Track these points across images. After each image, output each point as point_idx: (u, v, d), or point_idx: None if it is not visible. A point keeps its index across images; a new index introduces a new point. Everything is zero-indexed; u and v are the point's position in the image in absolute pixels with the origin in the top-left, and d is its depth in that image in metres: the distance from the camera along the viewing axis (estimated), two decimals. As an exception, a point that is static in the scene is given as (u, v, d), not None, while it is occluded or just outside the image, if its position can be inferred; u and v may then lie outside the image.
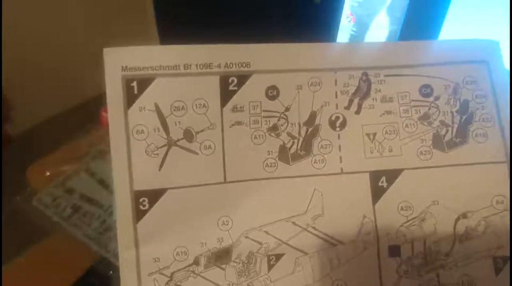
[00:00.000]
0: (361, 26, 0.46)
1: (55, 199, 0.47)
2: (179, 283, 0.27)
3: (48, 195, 0.48)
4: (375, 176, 0.28)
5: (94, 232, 0.44)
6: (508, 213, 0.28)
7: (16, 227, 0.46)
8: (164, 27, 0.65)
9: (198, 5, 0.59)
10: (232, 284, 0.27)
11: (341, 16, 0.47)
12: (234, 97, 0.28)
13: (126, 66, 0.27)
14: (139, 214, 0.27)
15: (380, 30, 0.44)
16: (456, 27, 0.38)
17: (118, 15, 0.69)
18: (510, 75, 0.29)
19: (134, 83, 0.27)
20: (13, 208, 0.47)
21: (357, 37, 0.48)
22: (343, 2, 0.47)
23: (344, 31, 0.48)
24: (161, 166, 0.27)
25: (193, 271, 0.27)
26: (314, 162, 0.28)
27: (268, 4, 0.55)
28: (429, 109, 0.29)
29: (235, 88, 0.28)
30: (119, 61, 0.27)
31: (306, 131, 0.28)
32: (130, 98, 0.27)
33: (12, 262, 0.43)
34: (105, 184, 0.49)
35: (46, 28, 0.66)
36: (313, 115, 0.28)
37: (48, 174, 0.50)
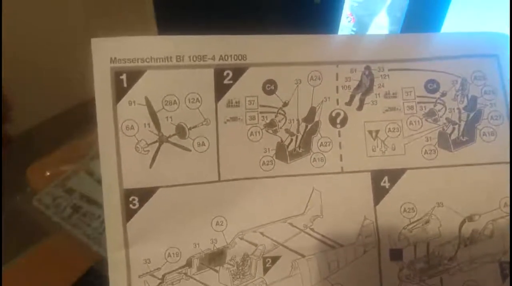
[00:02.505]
0: (361, 26, 0.47)
1: (55, 199, 0.47)
2: None
3: (48, 195, 0.47)
4: (377, 176, 0.27)
5: (94, 232, 0.44)
6: None
7: (16, 227, 0.46)
8: (165, 26, 0.65)
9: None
10: None
11: (341, 16, 0.47)
12: (229, 91, 0.27)
13: (115, 58, 0.26)
14: (128, 214, 0.26)
15: (380, 30, 0.45)
16: (456, 28, 0.38)
17: (119, 15, 0.69)
18: (510, 73, 0.28)
19: (124, 76, 0.26)
20: (13, 208, 0.47)
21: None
22: (343, 2, 0.47)
23: (344, 31, 0.48)
24: (152, 163, 0.26)
25: (185, 273, 0.26)
26: (313, 160, 0.27)
27: (268, 3, 0.55)
28: (435, 105, 0.27)
29: (231, 82, 0.27)
30: (107, 52, 0.26)
31: (305, 128, 0.27)
32: (119, 91, 0.26)
33: (12, 262, 0.42)
34: (105, 184, 0.49)
35: (46, 28, 0.66)
36: (312, 111, 0.27)
37: (48, 174, 0.50)
